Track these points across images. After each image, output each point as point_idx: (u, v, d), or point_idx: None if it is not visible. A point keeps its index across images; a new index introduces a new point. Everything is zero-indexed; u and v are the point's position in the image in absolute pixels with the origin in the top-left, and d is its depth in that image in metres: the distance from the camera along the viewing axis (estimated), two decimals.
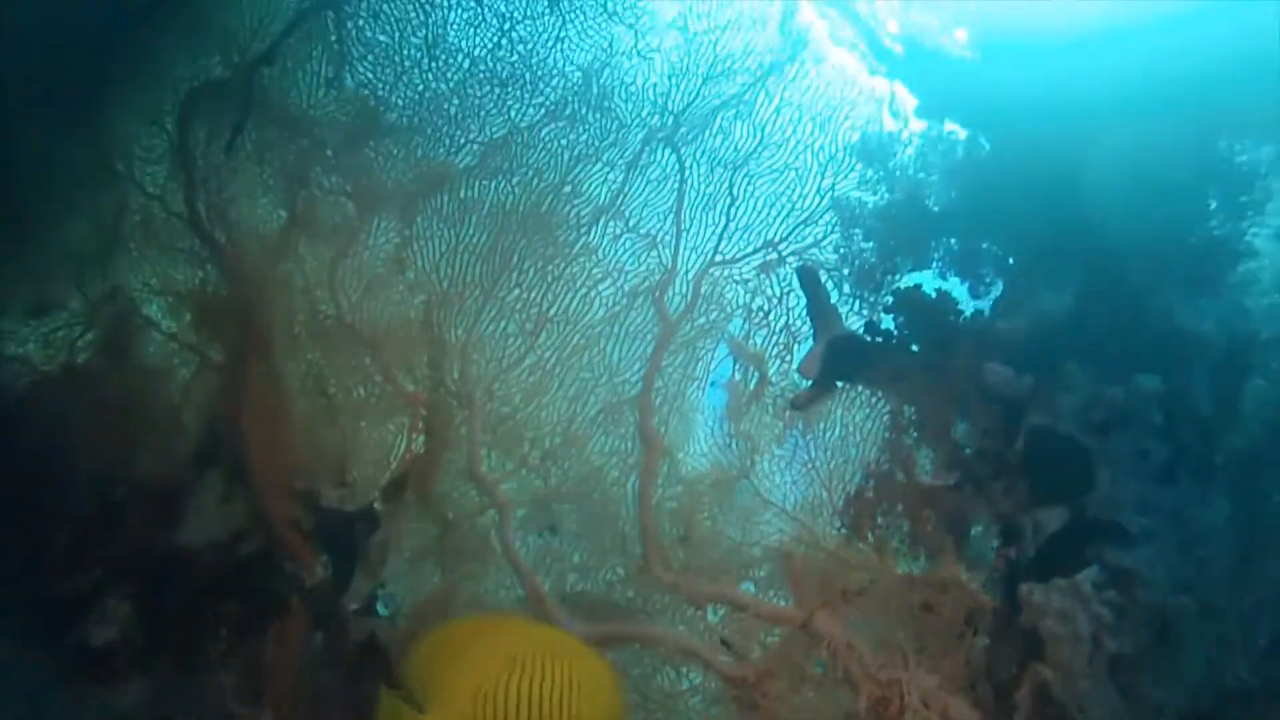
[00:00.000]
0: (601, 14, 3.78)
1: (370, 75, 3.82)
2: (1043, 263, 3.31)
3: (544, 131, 3.80)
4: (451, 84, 3.83)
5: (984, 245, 3.40)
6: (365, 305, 3.72)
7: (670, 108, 3.77)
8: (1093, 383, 3.17)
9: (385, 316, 3.70)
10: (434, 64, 3.82)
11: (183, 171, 3.89)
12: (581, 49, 3.81)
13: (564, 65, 3.82)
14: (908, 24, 3.64)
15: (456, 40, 3.82)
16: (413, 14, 3.78)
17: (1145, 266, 3.21)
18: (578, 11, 3.78)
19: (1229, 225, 3.48)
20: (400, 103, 3.83)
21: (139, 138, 3.93)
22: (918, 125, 3.56)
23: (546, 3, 3.77)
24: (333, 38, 3.79)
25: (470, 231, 3.73)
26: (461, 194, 3.78)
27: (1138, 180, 3.36)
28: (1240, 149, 3.58)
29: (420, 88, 3.83)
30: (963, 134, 3.56)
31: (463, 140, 3.82)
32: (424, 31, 3.79)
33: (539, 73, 3.81)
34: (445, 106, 3.84)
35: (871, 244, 3.41)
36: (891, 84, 3.59)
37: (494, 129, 3.82)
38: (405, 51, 3.81)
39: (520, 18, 3.79)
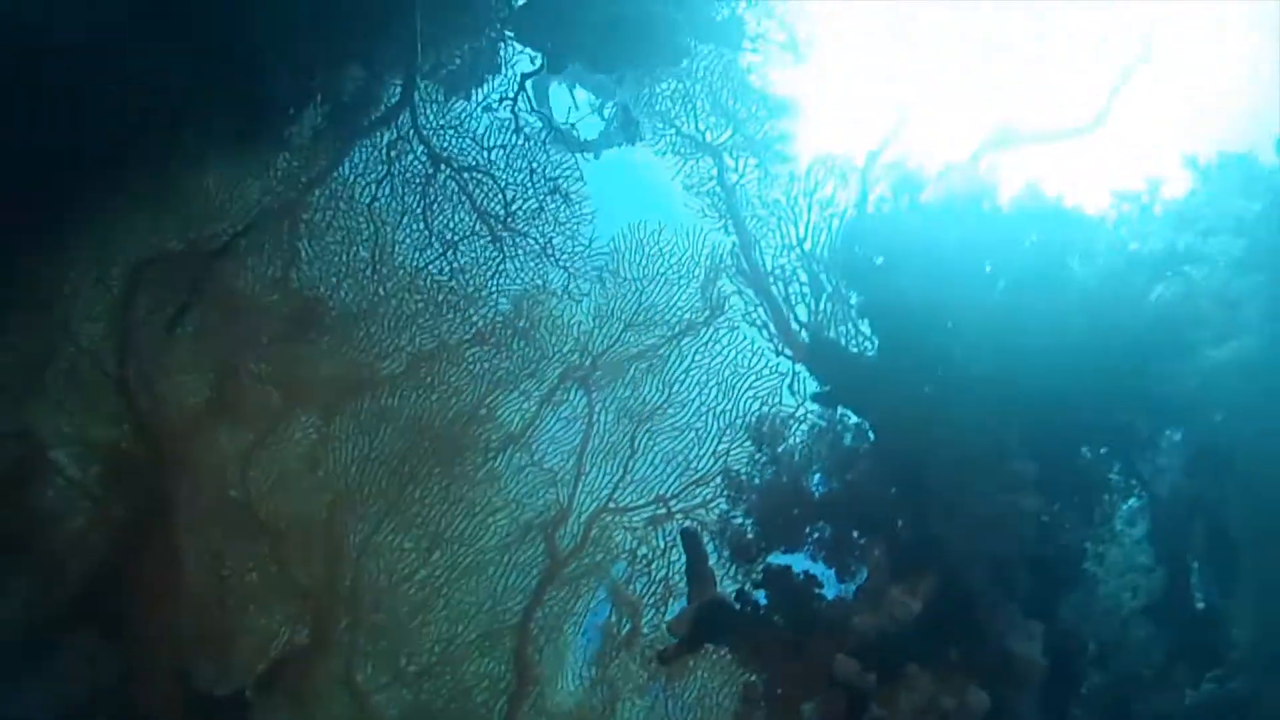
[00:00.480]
0: (540, 254, 4.06)
1: (316, 276, 4.03)
2: (904, 562, 3.57)
3: (469, 352, 4.03)
4: (390, 294, 4.05)
5: (854, 535, 3.66)
6: (273, 495, 3.88)
7: (590, 349, 4.05)
8: (931, 687, 3.41)
9: (290, 510, 3.86)
10: (377, 274, 4.05)
11: (120, 334, 4.03)
12: (517, 281, 4.09)
13: (497, 294, 4.07)
14: (817, 311, 3.95)
15: (401, 256, 4.06)
16: (364, 228, 4.02)
17: (993, 584, 3.49)
18: (518, 249, 4.06)
19: (1075, 541, 3.79)
20: (340, 305, 4.04)
21: (83, 292, 4.07)
22: (813, 408, 3.84)
23: (490, 236, 4.03)
24: (286, 238, 3.99)
25: (384, 440, 3.93)
26: (383, 401, 3.99)
27: (994, 495, 3.66)
28: (1098, 464, 3.91)
29: (360, 294, 4.04)
30: (852, 422, 3.84)
31: (393, 348, 4.04)
32: (372, 245, 4.04)
33: (473, 297, 4.05)
34: (382, 313, 4.05)
35: (752, 519, 3.66)
36: (794, 365, 3.88)
37: (424, 341, 4.05)
38: (352, 259, 4.03)
39: (463, 245, 4.05)
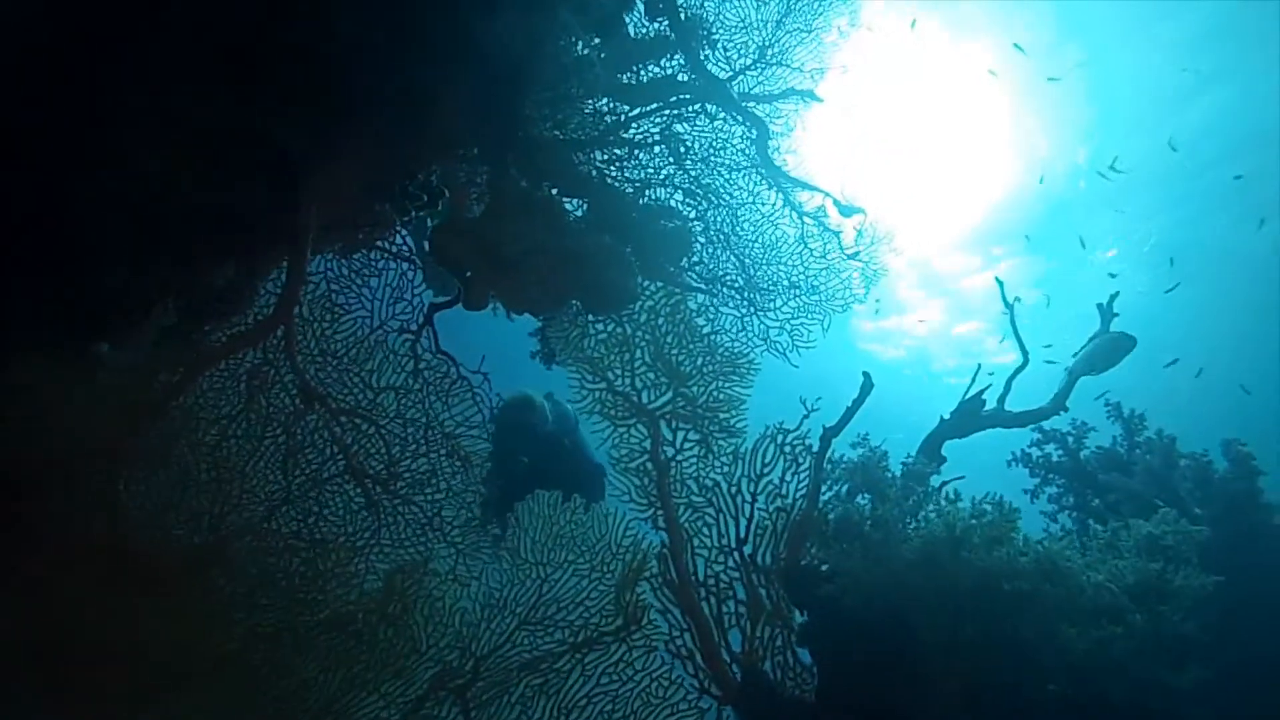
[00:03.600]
0: (425, 526, 3.19)
1: (138, 524, 3.06)
2: None
3: (323, 638, 3.11)
4: (229, 555, 3.12)
5: None
6: None
7: (474, 648, 3.21)
8: None
9: None
10: (215, 530, 3.12)
11: None
12: (393, 556, 3.20)
13: (366, 568, 3.18)
14: (752, 637, 3.19)
15: (249, 511, 3.17)
16: (205, 473, 3.08)
17: None
18: (399, 518, 3.18)
19: None
20: (166, 564, 3.07)
21: None
22: None
23: (368, 509, 3.14)
24: (105, 477, 3.02)
25: None
26: (203, 692, 3.01)
27: None
28: None
29: (192, 553, 3.09)
30: None
31: (224, 623, 3.09)
32: (212, 496, 3.10)
33: (335, 571, 3.15)
34: (215, 578, 3.12)
35: None
36: (720, 705, 3.10)
37: (265, 618, 3.12)
38: (185, 510, 3.09)
39: (330, 507, 3.15)
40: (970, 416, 4.04)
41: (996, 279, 4.45)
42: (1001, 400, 4.16)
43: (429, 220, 3.56)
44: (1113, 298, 4.46)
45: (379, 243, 3.39)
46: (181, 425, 3.17)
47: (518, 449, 5.10)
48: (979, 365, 4.22)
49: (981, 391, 4.09)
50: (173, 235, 3.15)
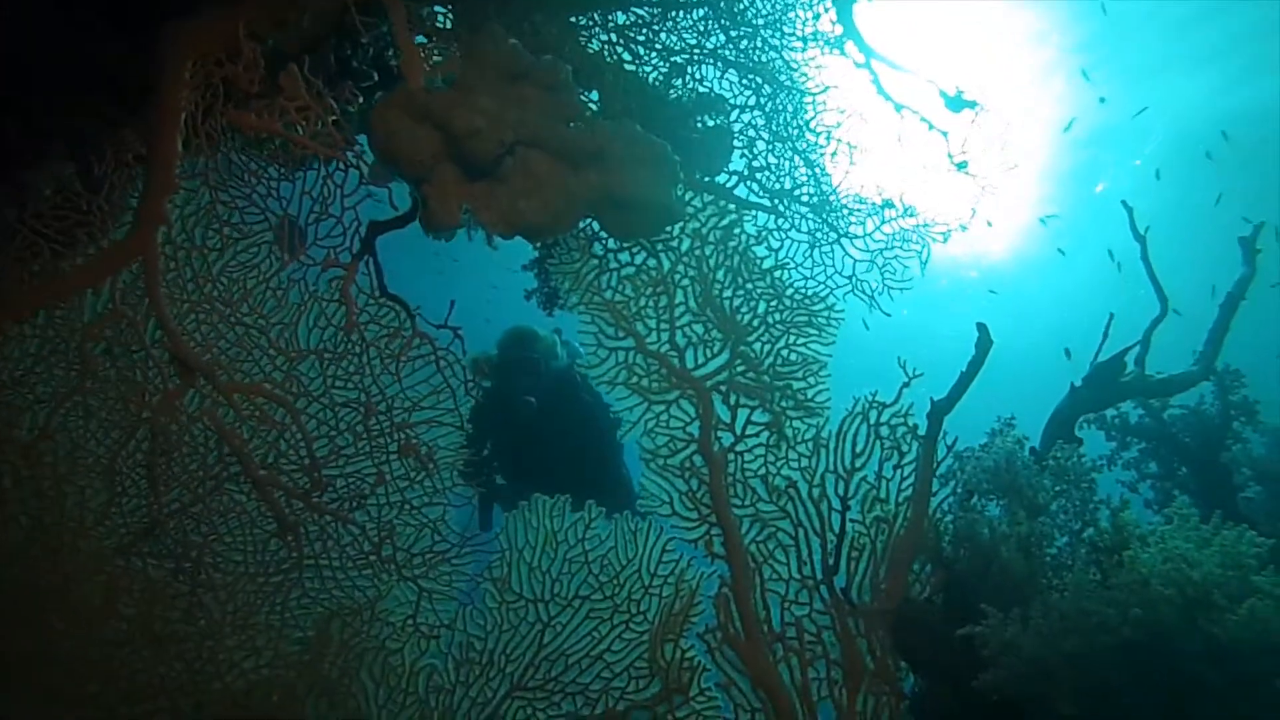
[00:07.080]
0: (371, 556, 1.95)
1: None
2: None
3: None
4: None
5: None
6: None
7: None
8: None
9: None
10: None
11: None
12: (325, 601, 1.98)
13: (283, 622, 1.95)
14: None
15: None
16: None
17: None
18: (325, 546, 1.93)
19: None
20: None
21: None
22: None
23: (282, 534, 1.89)
24: None
25: None
26: None
27: None
28: None
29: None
30: None
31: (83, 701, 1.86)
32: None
33: (239, 629, 1.91)
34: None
35: None
36: None
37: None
38: None
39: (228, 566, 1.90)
40: (1108, 384, 2.86)
41: (1124, 203, 3.23)
42: (1141, 362, 2.97)
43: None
44: (1257, 229, 3.24)
45: (295, 132, 2.06)
46: None
47: (521, 389, 3.85)
48: (1111, 315, 3.02)
49: (1124, 351, 2.89)
50: None
